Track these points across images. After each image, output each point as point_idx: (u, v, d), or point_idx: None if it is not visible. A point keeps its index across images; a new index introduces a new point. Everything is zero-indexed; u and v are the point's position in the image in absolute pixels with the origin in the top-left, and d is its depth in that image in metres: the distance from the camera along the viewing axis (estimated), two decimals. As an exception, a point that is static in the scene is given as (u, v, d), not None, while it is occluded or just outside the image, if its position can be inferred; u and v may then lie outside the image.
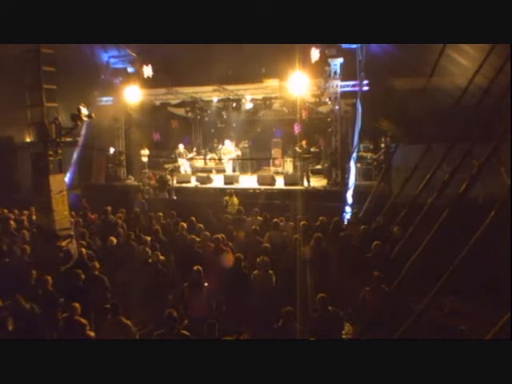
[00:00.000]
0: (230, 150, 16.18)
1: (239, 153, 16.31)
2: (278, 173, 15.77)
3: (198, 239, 7.95)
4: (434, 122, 11.15)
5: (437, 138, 9.66)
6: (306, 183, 13.90)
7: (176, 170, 16.16)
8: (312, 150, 15.03)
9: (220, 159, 17.01)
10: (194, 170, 16.77)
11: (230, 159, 16.09)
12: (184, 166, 16.44)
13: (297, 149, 14.43)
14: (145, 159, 17.51)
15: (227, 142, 16.23)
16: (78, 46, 14.97)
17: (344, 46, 12.84)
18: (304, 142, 14.54)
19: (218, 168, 16.88)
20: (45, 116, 9.02)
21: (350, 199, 12.28)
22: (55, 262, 7.71)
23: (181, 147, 16.71)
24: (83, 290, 6.46)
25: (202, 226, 8.87)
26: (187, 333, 5.06)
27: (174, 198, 14.01)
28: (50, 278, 6.45)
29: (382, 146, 14.51)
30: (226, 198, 11.93)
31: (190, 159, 16.84)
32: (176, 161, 16.67)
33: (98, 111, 15.43)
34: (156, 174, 15.20)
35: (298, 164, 14.64)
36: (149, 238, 8.16)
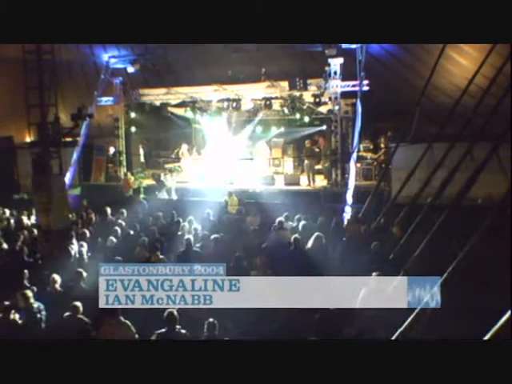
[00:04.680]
0: (263, 151, 16.05)
1: (271, 153, 16.22)
2: (277, 173, 15.76)
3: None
4: (433, 121, 11.15)
5: (437, 137, 9.65)
6: (307, 182, 13.93)
7: (176, 169, 16.14)
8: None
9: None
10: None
11: (264, 159, 15.96)
12: (186, 166, 16.37)
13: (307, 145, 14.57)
14: (142, 159, 17.53)
15: (262, 143, 16.10)
16: (77, 46, 14.99)
17: (344, 46, 12.82)
18: (308, 142, 14.56)
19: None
20: (45, 116, 9.02)
21: (350, 199, 12.27)
22: (55, 262, 7.70)
23: (184, 147, 16.67)
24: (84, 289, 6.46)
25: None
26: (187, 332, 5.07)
27: (174, 197, 14.00)
28: (58, 277, 6.45)
29: (382, 146, 14.51)
30: (226, 197, 11.93)
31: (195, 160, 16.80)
32: (178, 161, 16.64)
33: (98, 111, 15.52)
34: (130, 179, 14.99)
35: (305, 163, 14.57)
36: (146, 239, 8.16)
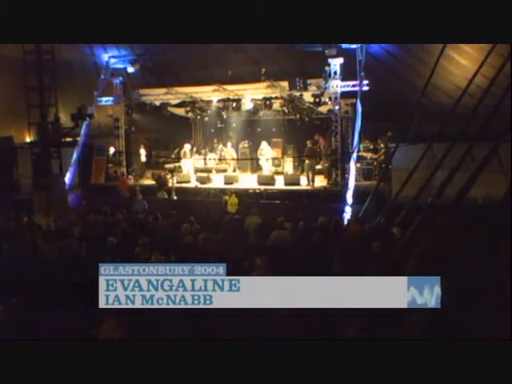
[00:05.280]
0: (267, 151, 16.15)
1: (274, 153, 16.34)
2: (278, 173, 15.77)
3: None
4: (433, 121, 11.15)
5: (437, 138, 9.65)
6: (307, 182, 13.95)
7: (177, 169, 16.14)
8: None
9: (220, 159, 17.02)
10: (195, 170, 16.75)
11: (267, 159, 16.07)
12: (187, 166, 16.37)
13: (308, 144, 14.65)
14: (143, 159, 17.54)
15: (264, 144, 16.19)
16: (77, 46, 14.99)
17: (344, 46, 12.83)
18: (309, 142, 14.60)
19: (219, 168, 16.86)
20: (45, 116, 9.03)
21: (350, 199, 12.28)
22: (55, 262, 7.71)
23: (187, 147, 16.67)
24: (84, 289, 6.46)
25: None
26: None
27: (175, 197, 13.99)
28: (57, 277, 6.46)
29: (382, 146, 14.52)
30: (226, 197, 11.93)
31: (195, 160, 16.82)
32: (178, 161, 16.63)
33: (98, 111, 15.52)
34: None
35: (306, 162, 14.57)
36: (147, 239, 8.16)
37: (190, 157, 16.63)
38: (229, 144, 16.87)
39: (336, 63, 13.09)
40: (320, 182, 14.46)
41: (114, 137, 16.43)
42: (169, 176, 14.96)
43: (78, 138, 14.95)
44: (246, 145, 16.85)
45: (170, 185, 14.44)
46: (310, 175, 14.07)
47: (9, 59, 12.86)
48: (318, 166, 15.20)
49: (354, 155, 13.23)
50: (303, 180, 14.37)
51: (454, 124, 9.40)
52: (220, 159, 16.90)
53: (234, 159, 16.47)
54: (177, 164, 16.52)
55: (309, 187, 13.93)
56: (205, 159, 17.23)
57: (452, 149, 8.52)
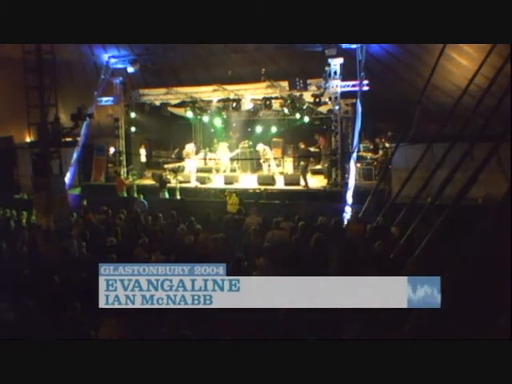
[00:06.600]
0: (267, 151, 16.15)
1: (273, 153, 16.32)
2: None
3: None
4: (433, 121, 11.16)
5: (437, 138, 9.65)
6: (303, 183, 13.96)
7: (178, 169, 16.12)
8: (312, 149, 15.10)
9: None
10: (196, 170, 16.70)
11: (266, 160, 16.03)
12: (189, 166, 16.33)
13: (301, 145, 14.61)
14: (143, 159, 17.54)
15: (260, 145, 16.13)
16: (77, 46, 15.00)
17: (344, 46, 12.83)
18: (302, 143, 14.57)
19: (218, 168, 16.85)
20: (45, 116, 9.03)
21: (350, 199, 12.28)
22: (55, 262, 7.71)
23: (189, 147, 16.64)
24: (84, 289, 6.46)
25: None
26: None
27: (178, 197, 13.96)
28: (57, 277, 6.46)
29: (382, 146, 14.51)
30: (227, 197, 11.92)
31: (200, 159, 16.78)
32: (179, 161, 16.61)
33: (98, 111, 15.52)
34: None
35: (301, 164, 14.55)
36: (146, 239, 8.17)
37: (195, 155, 16.58)
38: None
39: (336, 63, 13.08)
40: (320, 182, 14.45)
41: (114, 137, 16.42)
42: (171, 176, 14.95)
43: (78, 138, 14.96)
44: (246, 145, 16.83)
45: (172, 185, 14.41)
46: (306, 176, 14.02)
47: (9, 59, 12.87)
48: (318, 166, 15.17)
49: (354, 155, 13.23)
50: (303, 180, 14.36)
51: (454, 124, 9.41)
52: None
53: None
54: (178, 164, 16.50)
55: (304, 188, 13.89)
56: (205, 159, 17.22)
57: (452, 149, 8.53)
